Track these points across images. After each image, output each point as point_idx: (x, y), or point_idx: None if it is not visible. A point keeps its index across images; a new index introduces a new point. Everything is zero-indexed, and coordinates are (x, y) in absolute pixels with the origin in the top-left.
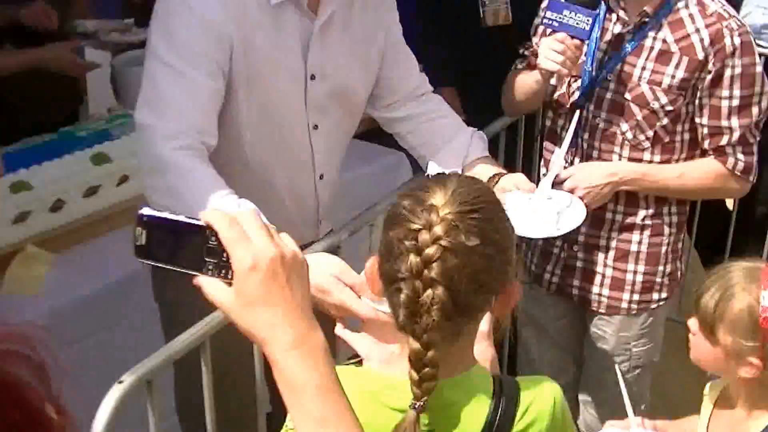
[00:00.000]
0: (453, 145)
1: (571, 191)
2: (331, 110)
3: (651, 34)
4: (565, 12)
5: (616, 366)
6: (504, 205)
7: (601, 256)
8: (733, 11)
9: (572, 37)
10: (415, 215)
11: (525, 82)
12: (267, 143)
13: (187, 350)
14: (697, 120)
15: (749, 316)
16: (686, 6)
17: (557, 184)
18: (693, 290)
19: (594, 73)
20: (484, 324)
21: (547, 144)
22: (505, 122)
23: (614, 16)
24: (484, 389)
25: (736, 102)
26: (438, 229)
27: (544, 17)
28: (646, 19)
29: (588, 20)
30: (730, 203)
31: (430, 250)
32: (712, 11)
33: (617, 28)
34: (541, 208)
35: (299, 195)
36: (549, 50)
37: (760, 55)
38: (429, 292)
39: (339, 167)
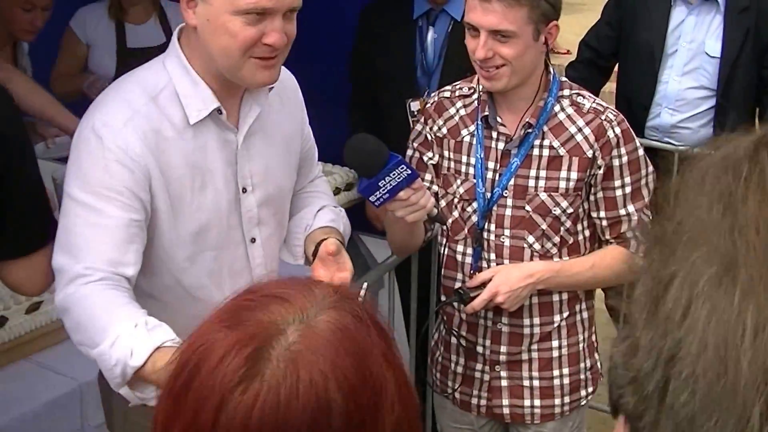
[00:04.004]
0: (296, 219)
1: (492, 296)
2: (266, 220)
3: (536, 143)
4: (381, 183)
5: None
6: None
7: (525, 370)
8: (605, 103)
9: (408, 187)
10: None
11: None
12: (201, 263)
13: None
14: (594, 215)
15: None
16: (562, 109)
17: (474, 287)
18: None
19: (488, 194)
20: None
21: (446, 272)
22: None
23: (494, 134)
24: None
25: (628, 189)
26: None
27: (374, 202)
28: (530, 130)
29: (402, 167)
30: None
31: None
32: (588, 108)
33: (500, 145)
34: None
35: None
36: (402, 210)
37: (669, 151)
38: None
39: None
